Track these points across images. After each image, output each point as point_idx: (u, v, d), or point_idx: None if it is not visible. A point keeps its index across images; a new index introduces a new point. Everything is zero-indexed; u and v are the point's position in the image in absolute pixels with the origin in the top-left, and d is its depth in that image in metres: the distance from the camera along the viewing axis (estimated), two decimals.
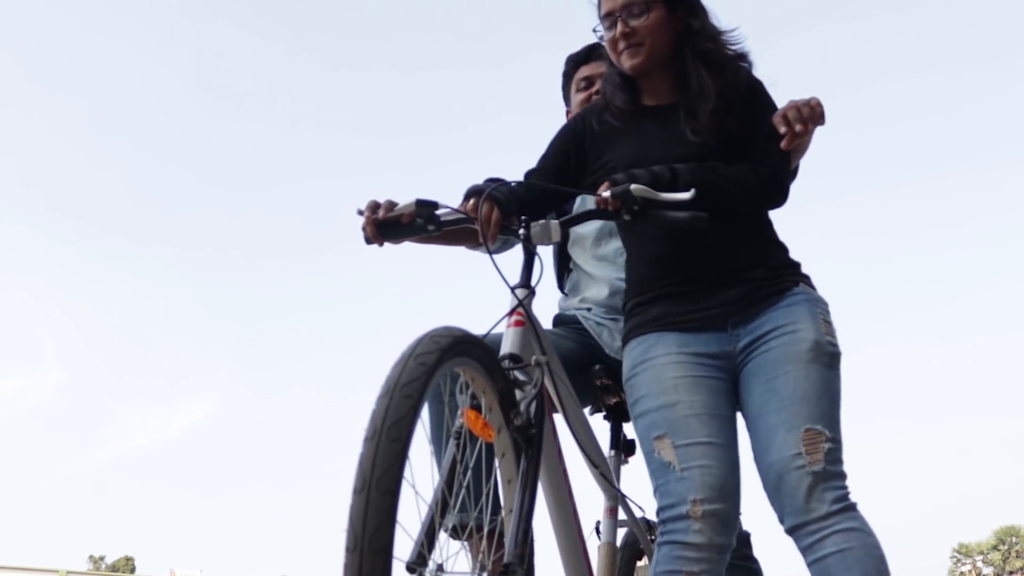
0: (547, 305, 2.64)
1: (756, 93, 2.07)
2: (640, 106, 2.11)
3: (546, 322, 2.47)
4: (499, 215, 1.89)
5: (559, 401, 2.01)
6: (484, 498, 1.71)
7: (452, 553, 1.53)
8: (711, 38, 2.05)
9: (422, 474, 1.40)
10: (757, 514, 1.91)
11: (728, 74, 2.03)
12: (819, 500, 1.78)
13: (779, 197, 2.01)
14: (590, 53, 2.62)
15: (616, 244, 2.49)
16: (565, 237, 2.03)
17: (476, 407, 1.62)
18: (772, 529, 1.91)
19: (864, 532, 1.79)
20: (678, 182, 1.89)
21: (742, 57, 2.08)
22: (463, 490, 1.62)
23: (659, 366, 1.93)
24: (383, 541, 1.21)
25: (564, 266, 2.69)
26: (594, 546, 2.28)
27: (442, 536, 1.51)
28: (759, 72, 2.09)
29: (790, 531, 1.82)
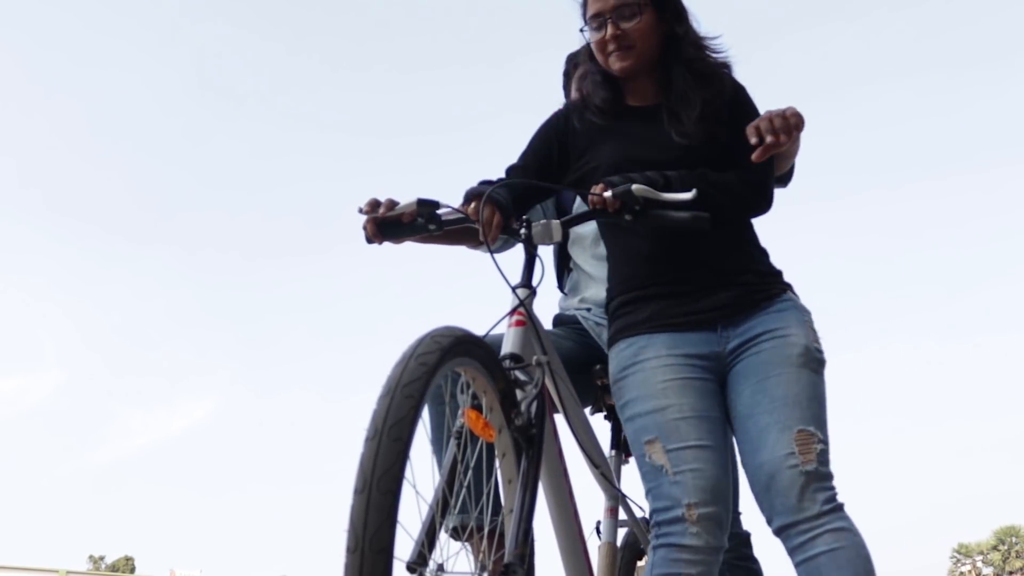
0: (548, 305, 2.64)
1: (740, 100, 2.09)
2: (623, 106, 2.11)
3: (546, 322, 2.47)
4: (500, 218, 1.90)
5: (560, 401, 2.01)
6: (485, 498, 1.71)
7: (452, 553, 1.53)
8: (695, 45, 2.07)
9: (423, 474, 1.40)
10: (757, 514, 1.91)
11: (714, 82, 2.05)
12: (811, 500, 1.80)
13: (765, 204, 2.03)
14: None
15: None
16: (565, 237, 2.03)
17: (477, 407, 1.62)
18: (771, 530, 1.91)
19: (853, 532, 1.81)
20: (671, 187, 1.89)
21: (724, 66, 2.09)
22: (463, 490, 1.62)
23: (649, 369, 1.93)
24: (384, 541, 1.20)
25: (564, 266, 2.69)
26: (595, 546, 2.28)
27: (443, 536, 1.52)
28: (744, 77, 2.10)
29: (780, 530, 1.82)
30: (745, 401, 1.91)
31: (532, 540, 1.62)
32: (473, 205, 1.90)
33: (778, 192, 2.21)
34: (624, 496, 2.36)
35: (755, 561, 2.46)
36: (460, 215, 1.94)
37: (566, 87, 2.71)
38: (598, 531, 2.34)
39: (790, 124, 1.86)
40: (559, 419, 2.08)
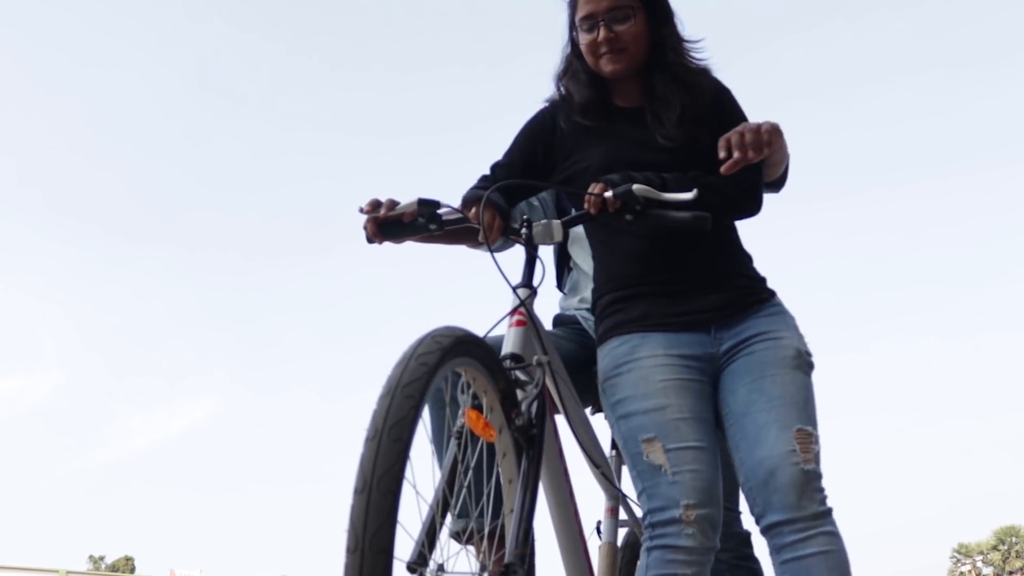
0: (549, 305, 2.63)
1: (725, 103, 2.10)
2: (609, 107, 2.11)
3: (546, 322, 2.47)
4: (501, 221, 1.91)
5: (560, 401, 2.01)
6: (485, 499, 1.71)
7: (453, 553, 1.53)
8: (675, 49, 2.07)
9: (423, 475, 1.40)
10: None
11: (693, 86, 2.05)
12: (809, 499, 1.81)
13: (755, 207, 2.04)
14: None
15: None
16: (565, 236, 2.04)
17: (477, 407, 1.62)
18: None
19: (841, 539, 1.84)
20: (667, 189, 1.89)
21: (704, 70, 2.10)
22: (464, 491, 1.61)
23: (646, 368, 1.93)
24: (384, 542, 1.20)
25: (564, 265, 2.69)
26: (595, 546, 2.28)
27: (443, 536, 1.51)
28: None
29: (774, 525, 1.82)
30: (741, 399, 1.92)
31: (532, 540, 1.62)
32: (474, 209, 1.90)
33: (777, 193, 2.22)
34: (625, 496, 2.36)
35: (755, 561, 2.45)
36: (460, 215, 1.94)
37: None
38: (598, 531, 2.34)
39: (761, 140, 1.86)
40: (560, 419, 2.08)
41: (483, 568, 1.74)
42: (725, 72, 2.11)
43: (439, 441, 2.06)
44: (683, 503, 1.82)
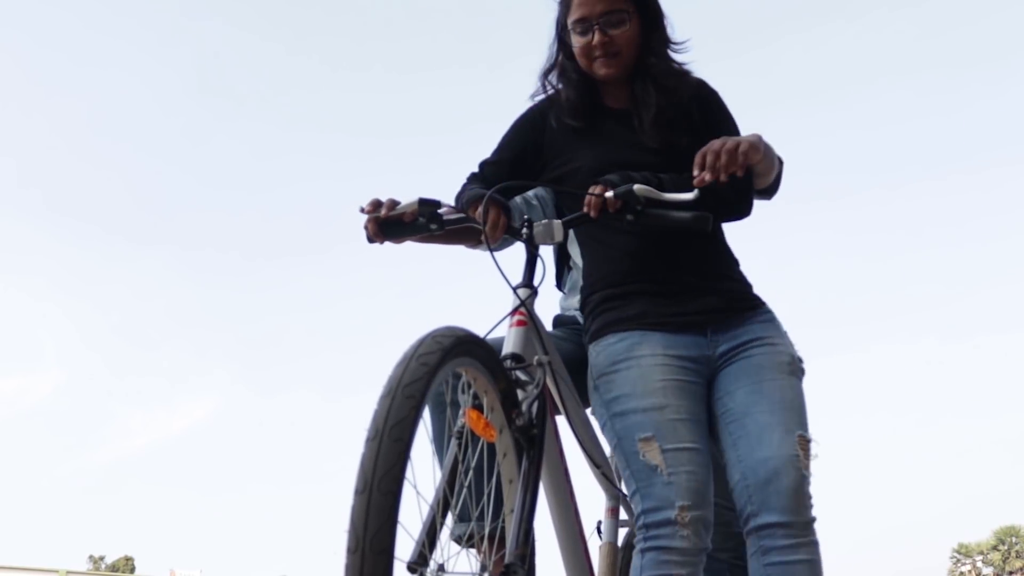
0: (549, 305, 2.63)
1: (711, 105, 2.11)
2: (600, 108, 2.12)
3: (547, 323, 2.47)
4: (505, 219, 1.90)
5: (561, 401, 2.01)
6: (486, 499, 1.71)
7: (453, 553, 1.53)
8: (657, 53, 2.07)
9: (424, 475, 1.40)
10: None
11: (670, 89, 2.06)
12: (805, 506, 1.85)
13: (747, 209, 2.06)
14: None
15: None
16: (565, 236, 2.04)
17: (478, 407, 1.62)
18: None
19: (820, 549, 1.86)
20: (664, 190, 1.90)
21: (684, 74, 2.10)
22: (464, 491, 1.61)
23: (645, 366, 1.93)
24: (384, 542, 1.20)
25: (563, 265, 2.69)
26: (595, 546, 2.28)
27: (443, 536, 1.51)
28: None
29: (767, 526, 1.83)
30: (740, 400, 1.93)
31: (533, 540, 1.62)
32: (479, 208, 1.90)
33: (768, 199, 2.23)
34: (625, 496, 2.36)
35: None
36: (461, 215, 1.94)
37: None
38: (599, 531, 2.34)
39: (735, 161, 1.85)
40: (560, 419, 2.08)
41: (483, 568, 1.74)
42: (709, 71, 2.11)
43: (439, 443, 2.06)
44: (678, 504, 1.83)
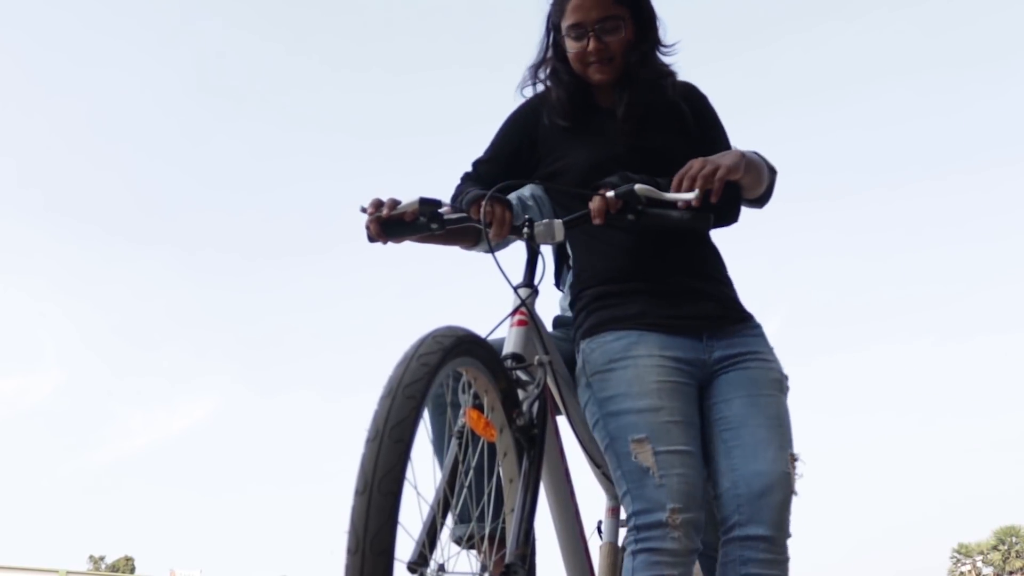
0: (550, 306, 2.63)
1: (701, 110, 2.12)
2: (591, 107, 2.12)
3: (547, 323, 2.47)
4: (510, 216, 1.90)
5: (562, 402, 2.01)
6: (486, 498, 1.71)
7: (453, 553, 1.53)
8: (643, 58, 2.07)
9: (425, 476, 1.40)
10: None
11: (655, 91, 2.07)
12: (788, 523, 1.90)
13: (736, 216, 2.07)
14: None
15: None
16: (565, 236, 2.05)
17: (479, 406, 1.61)
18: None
19: None
20: (663, 190, 1.90)
21: (669, 75, 2.11)
22: (465, 491, 1.61)
23: (642, 367, 1.93)
24: (385, 543, 1.20)
25: (563, 264, 2.69)
26: (596, 546, 2.28)
27: (444, 536, 1.51)
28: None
29: (752, 538, 1.87)
30: (737, 410, 1.95)
31: (533, 540, 1.61)
32: (483, 207, 1.89)
33: (760, 208, 2.25)
34: None
35: None
36: (462, 214, 1.94)
37: None
38: (599, 531, 2.34)
39: (711, 185, 1.84)
40: (561, 420, 2.08)
41: (484, 569, 1.74)
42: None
43: (438, 444, 2.06)
44: (669, 507, 1.84)
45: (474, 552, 1.90)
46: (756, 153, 2.23)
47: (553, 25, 2.11)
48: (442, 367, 1.40)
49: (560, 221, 1.94)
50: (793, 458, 1.93)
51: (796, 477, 1.92)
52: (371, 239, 1.96)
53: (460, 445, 1.58)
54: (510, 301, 1.88)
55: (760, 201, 2.20)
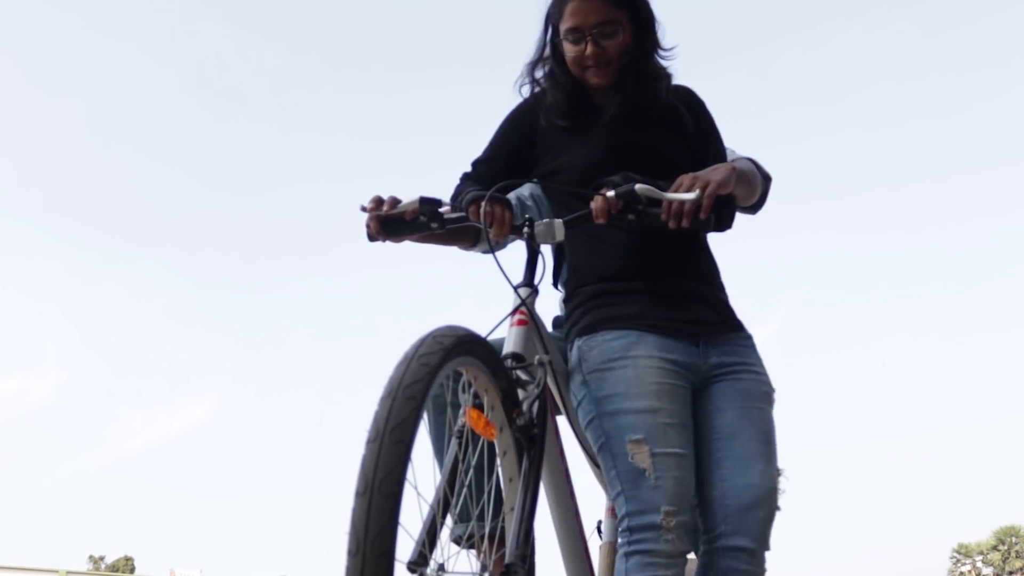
0: (550, 306, 2.63)
1: (701, 117, 2.13)
2: (589, 107, 2.12)
3: (547, 324, 2.47)
4: (510, 215, 1.90)
5: (562, 401, 2.01)
6: (486, 497, 1.71)
7: (453, 553, 1.53)
8: (643, 59, 2.07)
9: (425, 476, 1.40)
10: None
11: (650, 94, 2.07)
12: (769, 537, 1.93)
13: (729, 224, 2.07)
14: None
15: None
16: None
17: (479, 406, 1.61)
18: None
19: None
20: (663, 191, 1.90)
21: (665, 78, 2.11)
22: (465, 489, 1.61)
23: (641, 367, 1.93)
24: (385, 545, 1.20)
25: (562, 263, 2.68)
26: (596, 546, 2.28)
27: (444, 536, 1.51)
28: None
29: (736, 549, 1.89)
30: (730, 420, 1.97)
31: (533, 540, 1.61)
32: (483, 207, 1.89)
33: (753, 215, 2.26)
34: None
35: None
36: (462, 214, 1.94)
37: None
38: (599, 531, 2.34)
39: (688, 216, 1.84)
40: (561, 419, 2.08)
41: (484, 568, 1.74)
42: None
43: (437, 445, 2.06)
44: (663, 509, 1.84)
45: (473, 552, 1.89)
46: (751, 160, 2.23)
47: (552, 24, 2.11)
48: (443, 367, 1.40)
49: (560, 221, 1.94)
50: (778, 475, 1.96)
51: (780, 492, 1.95)
52: (371, 237, 1.96)
53: (460, 444, 1.58)
54: (510, 301, 1.88)
55: (753, 208, 2.22)
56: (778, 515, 1.96)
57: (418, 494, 1.39)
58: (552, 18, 2.10)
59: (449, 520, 1.64)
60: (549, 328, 2.50)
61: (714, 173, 1.89)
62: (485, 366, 1.59)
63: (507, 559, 1.52)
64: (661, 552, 1.82)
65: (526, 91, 2.18)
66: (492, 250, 1.86)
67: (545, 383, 1.78)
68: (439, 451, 2.05)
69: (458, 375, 1.60)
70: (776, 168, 2.24)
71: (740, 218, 2.16)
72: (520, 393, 1.71)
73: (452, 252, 2.22)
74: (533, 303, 1.90)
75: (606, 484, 2.32)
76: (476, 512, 1.76)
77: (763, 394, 2.02)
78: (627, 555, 1.85)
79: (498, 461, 1.71)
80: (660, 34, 2.11)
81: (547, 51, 2.13)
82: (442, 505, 1.50)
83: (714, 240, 2.18)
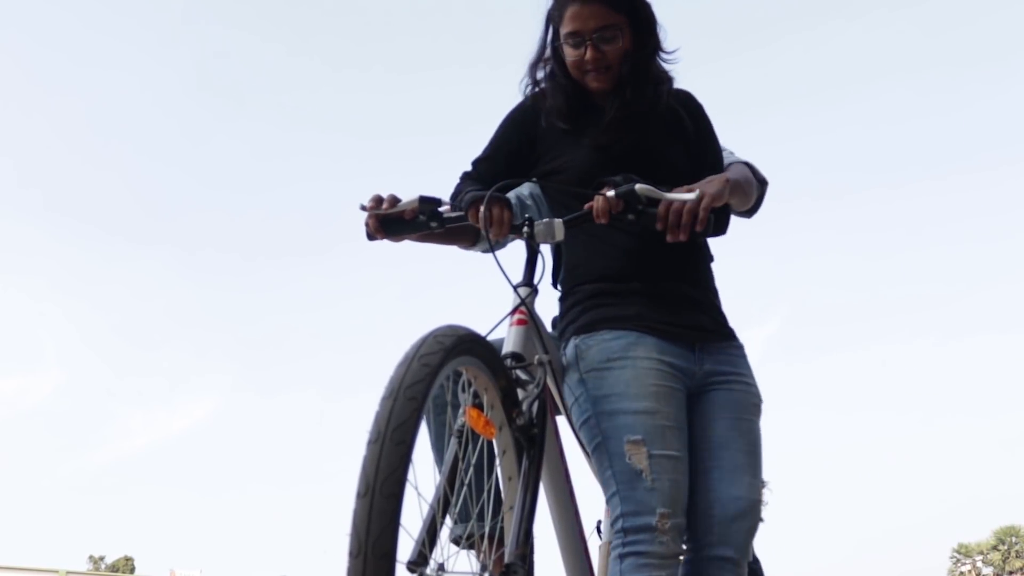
0: (550, 306, 2.63)
1: (700, 122, 2.13)
2: (589, 108, 2.12)
3: (546, 324, 2.47)
4: (510, 215, 1.90)
5: (561, 401, 2.00)
6: (486, 496, 1.71)
7: (453, 553, 1.53)
8: (644, 62, 2.07)
9: (426, 477, 1.40)
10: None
11: (651, 97, 2.07)
12: (751, 548, 1.96)
13: (724, 228, 2.06)
14: None
15: None
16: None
17: (478, 405, 1.61)
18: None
19: None
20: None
21: (666, 81, 2.11)
22: (465, 488, 1.61)
23: (640, 368, 1.93)
24: (387, 546, 1.20)
25: (561, 263, 2.68)
26: (595, 546, 2.28)
27: (443, 535, 1.51)
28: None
29: (720, 559, 1.91)
30: (720, 431, 1.98)
31: (532, 540, 1.61)
32: (483, 207, 1.89)
33: (748, 218, 2.27)
34: None
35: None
36: (462, 213, 1.94)
37: None
38: (599, 531, 2.34)
39: (697, 218, 1.84)
40: (561, 419, 2.08)
41: (483, 568, 1.74)
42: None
43: (437, 444, 2.06)
44: (659, 511, 1.84)
45: (473, 552, 1.90)
46: (747, 164, 2.24)
47: (553, 26, 2.10)
48: (443, 367, 1.40)
49: (560, 220, 1.94)
50: (763, 485, 1.99)
51: (763, 504, 1.98)
52: (370, 236, 1.96)
53: (460, 444, 1.58)
54: (510, 300, 1.88)
55: (748, 213, 2.22)
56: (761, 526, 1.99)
57: (419, 495, 1.39)
58: (553, 20, 2.10)
59: (449, 520, 1.64)
60: (549, 328, 2.51)
61: (708, 186, 1.90)
62: (485, 365, 1.59)
63: (507, 559, 1.52)
64: (655, 554, 1.83)
65: (530, 92, 2.18)
66: (492, 250, 1.86)
67: (545, 383, 1.78)
68: (438, 450, 2.05)
69: (458, 374, 1.60)
70: (776, 168, 2.25)
71: (737, 220, 2.16)
72: (520, 393, 1.71)
73: (452, 252, 2.22)
74: (533, 303, 1.90)
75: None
76: (476, 512, 1.76)
77: (753, 406, 2.03)
78: (621, 556, 1.85)
79: (498, 460, 1.71)
80: (662, 37, 2.11)
81: (547, 52, 2.13)
82: (442, 504, 1.50)
83: (713, 240, 2.18)
